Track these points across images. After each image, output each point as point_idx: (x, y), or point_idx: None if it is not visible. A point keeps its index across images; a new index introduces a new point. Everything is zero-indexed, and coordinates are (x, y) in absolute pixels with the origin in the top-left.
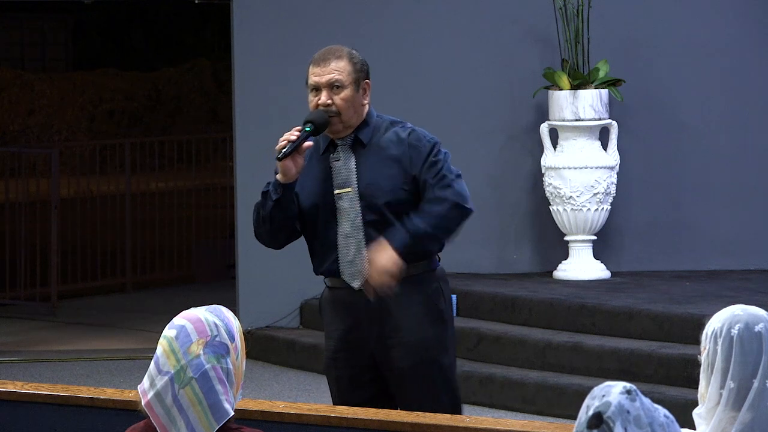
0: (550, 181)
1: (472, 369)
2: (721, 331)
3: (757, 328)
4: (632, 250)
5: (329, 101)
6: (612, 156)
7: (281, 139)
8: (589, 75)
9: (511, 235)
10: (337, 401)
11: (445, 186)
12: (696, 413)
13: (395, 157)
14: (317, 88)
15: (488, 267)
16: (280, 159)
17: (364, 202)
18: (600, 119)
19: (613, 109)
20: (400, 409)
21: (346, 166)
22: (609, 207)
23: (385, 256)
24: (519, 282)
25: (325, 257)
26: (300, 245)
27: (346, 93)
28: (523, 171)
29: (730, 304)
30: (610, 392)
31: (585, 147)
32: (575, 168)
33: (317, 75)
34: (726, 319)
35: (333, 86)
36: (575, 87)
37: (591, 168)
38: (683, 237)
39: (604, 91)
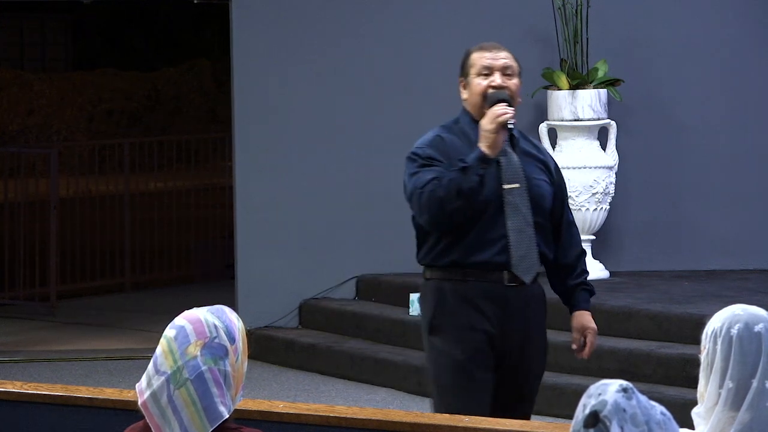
0: None
1: None
2: (720, 331)
3: (756, 328)
4: (631, 250)
5: (504, 84)
6: (611, 156)
7: (500, 110)
8: (587, 75)
9: None
10: (459, 403)
11: (572, 219)
12: (695, 413)
13: (544, 169)
14: (489, 71)
15: None
16: (510, 129)
17: (533, 202)
18: (599, 119)
19: (612, 109)
20: (498, 406)
21: (510, 161)
22: (608, 207)
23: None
24: None
25: (487, 249)
26: (298, 245)
27: (516, 81)
28: None
29: (729, 304)
30: (607, 390)
31: (584, 147)
32: (574, 168)
33: (490, 58)
34: (726, 318)
35: (505, 71)
36: (574, 87)
37: (590, 168)
38: (682, 237)
39: (603, 91)
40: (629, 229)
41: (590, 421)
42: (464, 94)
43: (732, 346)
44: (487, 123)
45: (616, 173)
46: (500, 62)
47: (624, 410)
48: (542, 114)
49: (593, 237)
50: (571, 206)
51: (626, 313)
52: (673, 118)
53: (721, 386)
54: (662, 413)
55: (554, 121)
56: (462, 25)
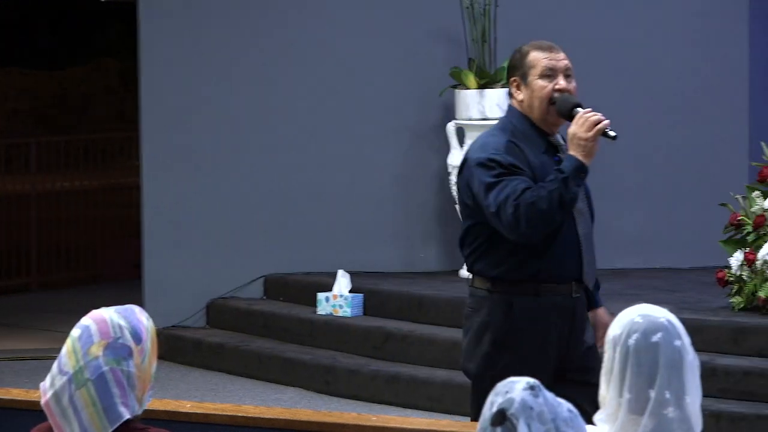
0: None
1: (379, 368)
2: (619, 339)
3: (654, 338)
4: None
5: (567, 87)
6: None
7: (594, 117)
8: (496, 74)
9: (418, 234)
10: None
11: None
12: (597, 418)
13: None
14: (552, 73)
15: (395, 266)
16: (614, 138)
17: (590, 206)
18: None
19: None
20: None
21: None
22: None
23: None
24: (426, 281)
25: (564, 259)
26: (205, 245)
27: (575, 84)
28: (429, 170)
29: (636, 303)
30: (514, 389)
31: None
32: None
33: (552, 59)
34: (625, 326)
35: (567, 73)
36: (482, 86)
37: None
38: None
39: None
40: None
41: (497, 419)
42: (519, 95)
43: (629, 357)
44: (583, 131)
45: None
46: (562, 63)
47: (531, 408)
48: (450, 113)
49: None
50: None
51: None
52: None
53: (620, 395)
54: (569, 410)
55: (462, 120)
56: (370, 24)
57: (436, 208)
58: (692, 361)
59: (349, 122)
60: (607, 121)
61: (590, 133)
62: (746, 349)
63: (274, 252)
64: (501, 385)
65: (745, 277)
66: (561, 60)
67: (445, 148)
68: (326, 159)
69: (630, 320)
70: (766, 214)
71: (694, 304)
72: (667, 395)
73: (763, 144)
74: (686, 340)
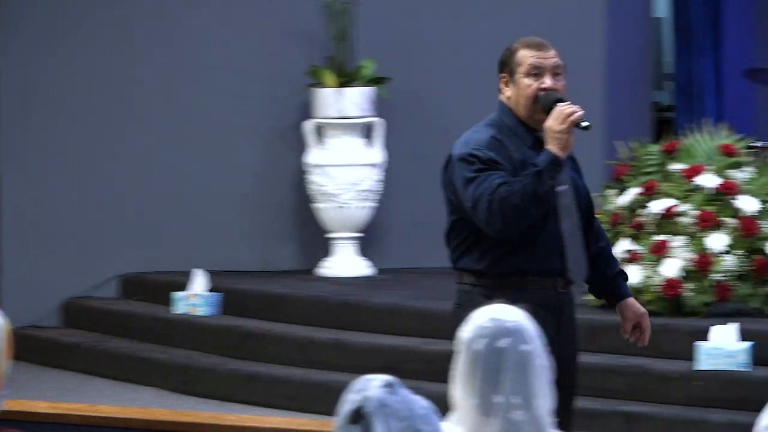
0: (315, 178)
1: (237, 367)
2: (468, 343)
3: (500, 344)
4: (396, 247)
5: (554, 86)
6: (377, 154)
7: (568, 109)
8: (355, 73)
9: (276, 232)
10: None
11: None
12: (450, 421)
13: (577, 167)
14: (538, 71)
15: (253, 265)
16: (587, 128)
17: (579, 204)
18: (365, 117)
19: (379, 106)
20: None
21: None
22: (374, 204)
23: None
24: (283, 280)
25: (547, 254)
26: (61, 244)
27: (564, 82)
28: (287, 169)
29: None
30: (370, 386)
31: (350, 145)
32: (340, 165)
33: (540, 57)
34: (474, 330)
35: (555, 72)
36: (341, 85)
37: (356, 165)
38: None
39: (370, 89)
40: (394, 226)
41: (354, 417)
42: (507, 92)
43: (476, 361)
44: (557, 123)
45: (382, 171)
46: (550, 62)
47: (388, 406)
48: (309, 112)
49: (359, 234)
50: (336, 204)
51: (392, 310)
52: (438, 115)
53: (469, 399)
54: (425, 407)
55: (321, 118)
56: (227, 23)
57: (294, 207)
58: (542, 364)
59: (207, 121)
60: (580, 112)
61: (564, 125)
62: (601, 346)
63: (131, 251)
64: (358, 383)
65: None
66: (549, 58)
67: (303, 147)
68: (183, 158)
69: (479, 324)
70: (621, 212)
71: None
72: (514, 399)
73: (619, 143)
74: (536, 343)
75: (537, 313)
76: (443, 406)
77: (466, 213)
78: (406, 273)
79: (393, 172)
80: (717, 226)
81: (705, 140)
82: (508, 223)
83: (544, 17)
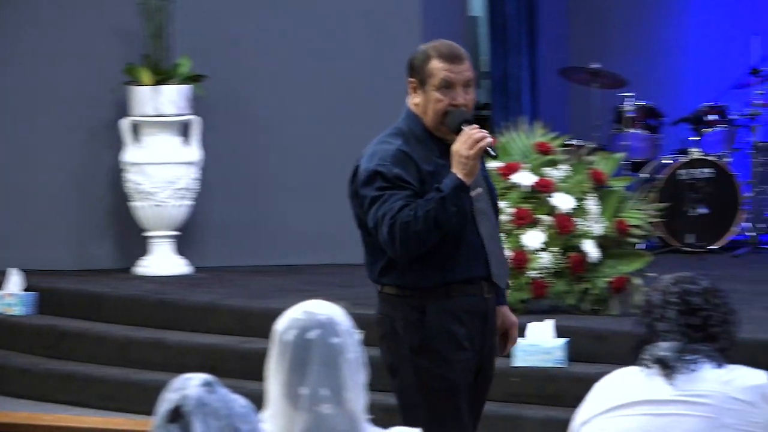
0: (132, 176)
1: (53, 367)
2: (280, 334)
3: (309, 335)
4: (214, 245)
5: (465, 102)
6: (194, 152)
7: (477, 134)
8: (171, 71)
9: (93, 231)
10: (457, 427)
11: None
12: (265, 416)
13: (484, 168)
14: (451, 86)
15: (70, 264)
16: (495, 157)
17: (494, 206)
18: (182, 115)
19: (196, 104)
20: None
21: None
22: (190, 203)
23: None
24: (101, 279)
25: (470, 261)
26: None
27: (473, 95)
28: (103, 167)
29: (309, 298)
30: (188, 385)
31: (167, 143)
32: (157, 164)
33: (454, 72)
34: (287, 321)
35: (466, 84)
36: (157, 83)
37: (172, 164)
38: (263, 232)
39: (187, 87)
40: (211, 224)
41: (172, 416)
42: (416, 99)
43: (284, 353)
44: (466, 149)
45: (199, 169)
46: (463, 76)
47: (206, 404)
48: (125, 109)
49: (176, 233)
50: (153, 202)
51: (209, 308)
52: (256, 114)
53: (278, 390)
54: (244, 405)
55: (137, 116)
56: (44, 20)
57: (110, 205)
58: (354, 358)
59: (23, 118)
60: (489, 139)
61: (471, 151)
62: None
63: None
64: (176, 382)
65: None
66: (462, 72)
67: (120, 145)
68: None
69: (293, 317)
70: None
71: (367, 299)
72: (322, 392)
73: None
74: (348, 338)
75: (462, 318)
76: (261, 405)
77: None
78: (224, 271)
79: (210, 171)
80: (533, 224)
81: (521, 138)
82: (408, 248)
83: (360, 16)
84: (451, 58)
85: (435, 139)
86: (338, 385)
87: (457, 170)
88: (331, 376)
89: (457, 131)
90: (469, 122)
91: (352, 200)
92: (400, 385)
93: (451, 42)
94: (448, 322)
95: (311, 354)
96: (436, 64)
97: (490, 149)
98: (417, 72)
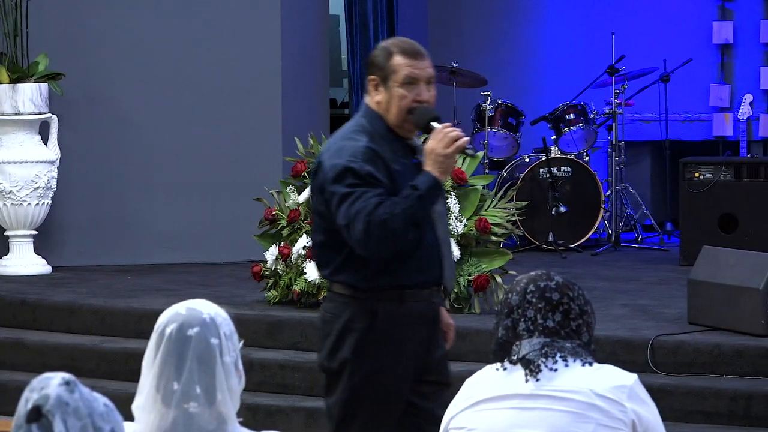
0: None
1: None
2: (159, 328)
3: (189, 332)
4: (74, 244)
5: (428, 98)
6: (53, 150)
7: (453, 132)
8: (28, 69)
9: None
10: (382, 425)
11: None
12: (135, 406)
13: None
14: (414, 82)
15: None
16: (473, 155)
17: (443, 205)
18: (40, 113)
19: (54, 103)
20: (419, 419)
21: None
22: (50, 201)
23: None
24: None
25: (427, 265)
26: None
27: (434, 92)
28: None
29: (172, 297)
30: (49, 384)
31: (25, 141)
32: (15, 162)
33: (417, 68)
34: (168, 316)
35: (429, 81)
36: (14, 81)
37: (31, 162)
38: (126, 231)
39: (44, 85)
40: (71, 223)
41: (33, 416)
42: (377, 96)
43: (160, 346)
44: (442, 147)
45: (58, 168)
46: (426, 72)
47: (67, 404)
48: None
49: (35, 232)
50: (13, 201)
51: (69, 308)
52: (116, 112)
53: (154, 385)
54: (105, 405)
55: None
56: None
57: None
58: (231, 362)
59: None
60: (466, 138)
61: (449, 150)
62: (281, 343)
63: None
64: (36, 381)
65: (280, 271)
66: (425, 68)
67: None
68: None
69: (175, 311)
70: (300, 208)
71: (230, 298)
72: (194, 390)
73: (296, 139)
74: (228, 341)
75: (412, 324)
76: (122, 405)
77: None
78: (85, 271)
79: (70, 169)
80: None
81: None
82: (384, 246)
83: (221, 15)
84: (413, 54)
85: (396, 138)
86: (211, 385)
87: (433, 169)
88: (205, 375)
89: (425, 128)
90: (439, 120)
91: (314, 195)
92: (334, 388)
93: (411, 39)
94: (397, 329)
95: (188, 350)
96: (399, 60)
97: (468, 149)
98: (379, 68)
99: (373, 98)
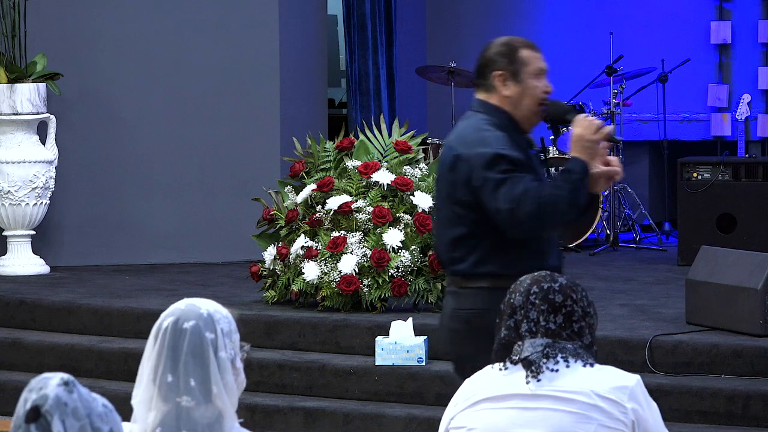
0: None
1: None
2: (159, 321)
3: (185, 325)
4: (72, 244)
5: (551, 90)
6: (51, 150)
7: (597, 120)
8: (26, 69)
9: None
10: None
11: None
12: (134, 402)
13: None
14: (542, 74)
15: None
16: (618, 142)
17: None
18: (38, 113)
19: (52, 103)
20: None
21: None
22: (48, 201)
23: None
24: None
25: (551, 248)
26: None
27: None
28: None
29: (170, 297)
30: (48, 384)
31: (23, 141)
32: (13, 162)
33: (542, 61)
34: (169, 310)
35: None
36: (12, 81)
37: (29, 162)
38: (123, 231)
39: (42, 85)
40: (69, 223)
41: (31, 416)
42: (506, 91)
43: (159, 338)
44: (590, 133)
45: (56, 168)
46: (546, 65)
47: (65, 404)
48: None
49: (33, 232)
50: (11, 201)
51: (67, 308)
52: (113, 112)
53: (151, 378)
54: (104, 405)
55: None
56: None
57: None
58: (228, 358)
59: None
60: (611, 126)
61: (596, 136)
62: (279, 342)
63: None
64: (35, 381)
65: (278, 271)
66: (545, 62)
67: None
68: None
69: (176, 307)
70: (298, 208)
71: (228, 298)
72: (189, 382)
73: (294, 139)
74: (225, 338)
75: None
76: (120, 405)
77: (482, 215)
78: (83, 271)
79: (67, 169)
80: (393, 222)
81: (379, 137)
82: (551, 226)
83: (219, 14)
84: (535, 47)
85: (519, 131)
86: (206, 379)
87: (581, 154)
88: (200, 369)
89: (561, 120)
90: (576, 111)
91: (456, 189)
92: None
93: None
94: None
95: (183, 343)
96: (527, 53)
97: (614, 135)
98: (507, 63)
99: (501, 93)
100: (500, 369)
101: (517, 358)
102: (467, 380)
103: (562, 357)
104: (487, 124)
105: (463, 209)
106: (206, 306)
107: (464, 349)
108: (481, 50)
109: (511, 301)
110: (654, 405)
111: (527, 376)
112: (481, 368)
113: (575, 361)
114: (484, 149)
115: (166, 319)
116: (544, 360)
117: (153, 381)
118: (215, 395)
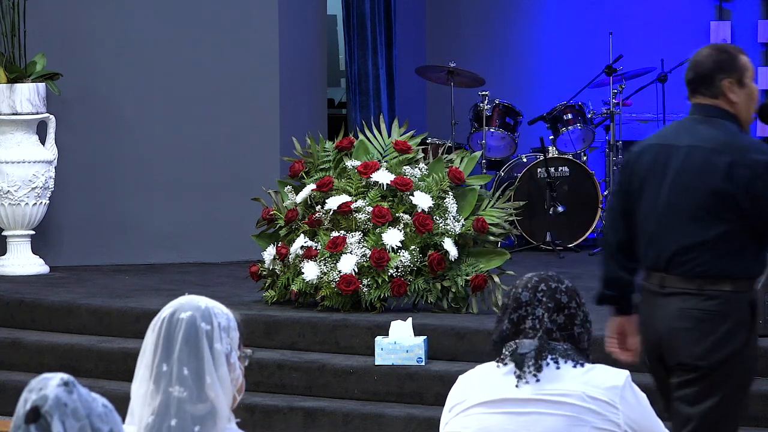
0: None
1: None
2: (158, 314)
3: (181, 315)
4: (71, 244)
5: None
6: (50, 150)
7: None
8: (26, 68)
9: None
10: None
11: None
12: (133, 395)
13: None
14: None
15: None
16: None
17: None
18: (37, 113)
19: (52, 103)
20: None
21: None
22: (47, 201)
23: None
24: None
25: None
26: None
27: None
28: None
29: (170, 297)
30: (47, 385)
31: (22, 141)
32: (13, 162)
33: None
34: (168, 304)
35: None
36: (12, 80)
37: (29, 162)
38: (123, 231)
39: (42, 85)
40: (69, 223)
41: (31, 416)
42: (735, 97)
43: (154, 328)
44: None
45: (55, 168)
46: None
47: (65, 405)
48: None
49: (32, 232)
50: (11, 201)
51: (67, 308)
52: (114, 112)
53: (148, 367)
54: (104, 405)
55: None
56: None
57: None
58: (223, 351)
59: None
60: None
61: None
62: (279, 342)
63: None
64: (35, 382)
65: (278, 271)
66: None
67: None
68: None
69: (175, 300)
70: (297, 208)
71: (228, 298)
72: (182, 371)
73: (294, 139)
74: (222, 331)
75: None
76: (120, 405)
77: (748, 220)
78: (83, 270)
79: (67, 169)
80: (392, 222)
81: (379, 137)
82: None
83: (218, 14)
84: (744, 51)
85: None
86: (200, 368)
87: None
88: (193, 358)
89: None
90: None
91: (726, 192)
92: (714, 386)
93: None
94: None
95: (178, 333)
96: (745, 60)
97: None
98: (733, 70)
99: (731, 100)
100: (499, 366)
101: (508, 352)
102: (461, 378)
103: (552, 358)
104: (744, 133)
105: (732, 213)
106: (206, 301)
107: (695, 343)
108: (694, 58)
109: (518, 296)
110: (644, 398)
111: (517, 378)
112: (712, 363)
113: (565, 362)
114: (764, 157)
115: (164, 312)
116: (536, 360)
117: (148, 369)
118: (208, 385)
